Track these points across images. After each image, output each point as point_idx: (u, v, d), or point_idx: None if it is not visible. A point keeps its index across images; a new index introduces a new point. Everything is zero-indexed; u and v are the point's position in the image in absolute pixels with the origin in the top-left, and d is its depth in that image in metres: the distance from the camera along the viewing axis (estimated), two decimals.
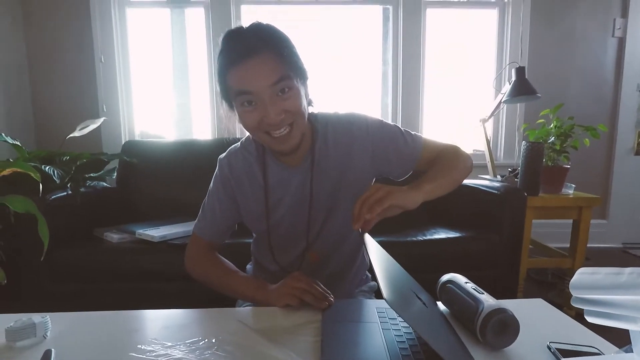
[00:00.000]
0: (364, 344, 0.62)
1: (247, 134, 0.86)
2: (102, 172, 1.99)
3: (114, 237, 1.41)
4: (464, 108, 2.60)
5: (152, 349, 0.60)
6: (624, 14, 2.49)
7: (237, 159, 0.89)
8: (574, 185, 1.67)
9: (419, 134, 0.91)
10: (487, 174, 2.03)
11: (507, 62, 2.47)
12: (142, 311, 0.73)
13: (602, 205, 2.66)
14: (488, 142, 2.02)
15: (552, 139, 1.61)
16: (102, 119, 1.86)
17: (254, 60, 0.71)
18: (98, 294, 1.36)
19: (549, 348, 0.59)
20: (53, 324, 0.65)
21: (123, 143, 2.05)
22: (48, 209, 1.32)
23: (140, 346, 0.60)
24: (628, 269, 0.45)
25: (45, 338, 0.63)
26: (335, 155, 0.86)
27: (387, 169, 0.89)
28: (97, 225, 1.58)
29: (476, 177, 1.97)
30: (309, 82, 0.80)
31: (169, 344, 0.61)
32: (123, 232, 1.43)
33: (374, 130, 0.86)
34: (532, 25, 2.47)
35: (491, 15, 2.56)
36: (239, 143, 0.91)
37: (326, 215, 0.88)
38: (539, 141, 1.59)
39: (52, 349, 0.57)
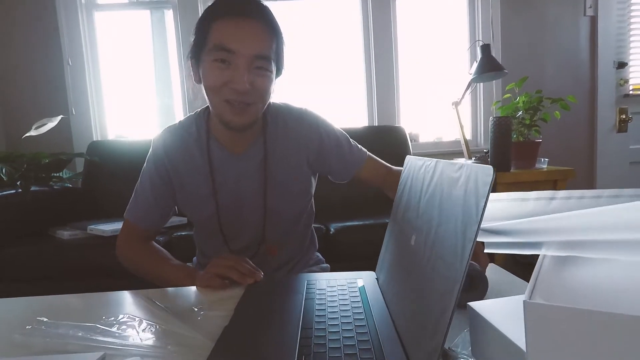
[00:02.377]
0: (279, 314, 0.56)
1: (192, 112, 0.86)
2: (72, 174, 1.94)
3: (64, 233, 1.35)
4: (441, 95, 2.56)
5: (41, 328, 0.54)
6: None
7: (173, 138, 0.84)
8: (547, 160, 1.62)
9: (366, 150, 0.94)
10: (464, 157, 1.99)
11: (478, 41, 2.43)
12: (41, 297, 0.68)
13: (588, 184, 2.61)
14: (461, 125, 1.98)
15: (520, 113, 1.57)
16: (59, 117, 1.82)
17: (248, 23, 0.69)
18: (46, 293, 1.29)
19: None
20: None
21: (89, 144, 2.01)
22: None
23: (28, 327, 0.55)
24: (534, 194, 0.40)
25: None
26: (283, 146, 0.84)
27: (327, 170, 0.91)
28: (59, 225, 1.52)
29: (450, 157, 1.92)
30: (279, 79, 0.80)
31: (63, 323, 0.55)
32: (75, 229, 1.37)
33: (324, 130, 0.87)
34: (502, 8, 2.44)
35: (461, 1, 2.53)
36: (177, 122, 0.86)
37: (275, 204, 0.85)
38: (506, 116, 1.55)
39: None
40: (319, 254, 1.01)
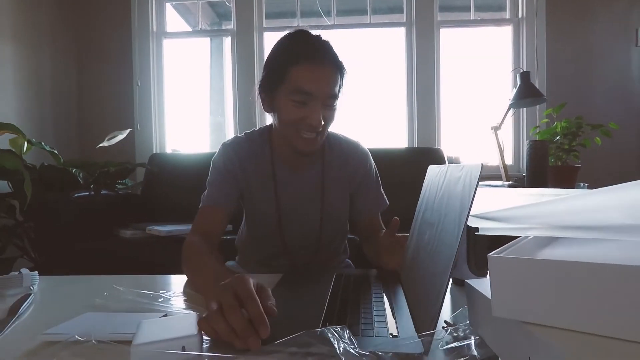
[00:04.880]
0: (309, 293, 0.65)
1: (252, 128, 0.98)
2: (134, 182, 2.17)
3: (127, 232, 1.53)
4: (484, 120, 2.58)
5: (117, 294, 0.67)
6: None
7: (242, 146, 0.94)
8: (586, 184, 1.60)
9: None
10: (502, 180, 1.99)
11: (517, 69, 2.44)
12: (114, 276, 0.84)
13: None
14: (500, 149, 2.00)
15: (558, 138, 1.57)
16: (128, 130, 2.06)
17: (326, 70, 0.81)
18: None
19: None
20: (42, 282, 0.75)
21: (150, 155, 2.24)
22: (71, 204, 1.47)
23: (106, 293, 0.67)
24: (550, 191, 0.47)
25: (32, 289, 0.71)
26: (337, 170, 0.95)
27: (353, 202, 1.00)
28: (122, 226, 1.70)
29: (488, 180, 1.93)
30: None
31: (133, 290, 0.68)
32: (136, 229, 1.55)
33: (370, 168, 0.99)
34: (548, 37, 2.44)
35: (506, 31, 2.57)
36: (243, 134, 0.97)
37: (326, 218, 0.95)
38: (542, 139, 1.56)
39: (31, 294, 0.66)
40: (349, 260, 1.09)
